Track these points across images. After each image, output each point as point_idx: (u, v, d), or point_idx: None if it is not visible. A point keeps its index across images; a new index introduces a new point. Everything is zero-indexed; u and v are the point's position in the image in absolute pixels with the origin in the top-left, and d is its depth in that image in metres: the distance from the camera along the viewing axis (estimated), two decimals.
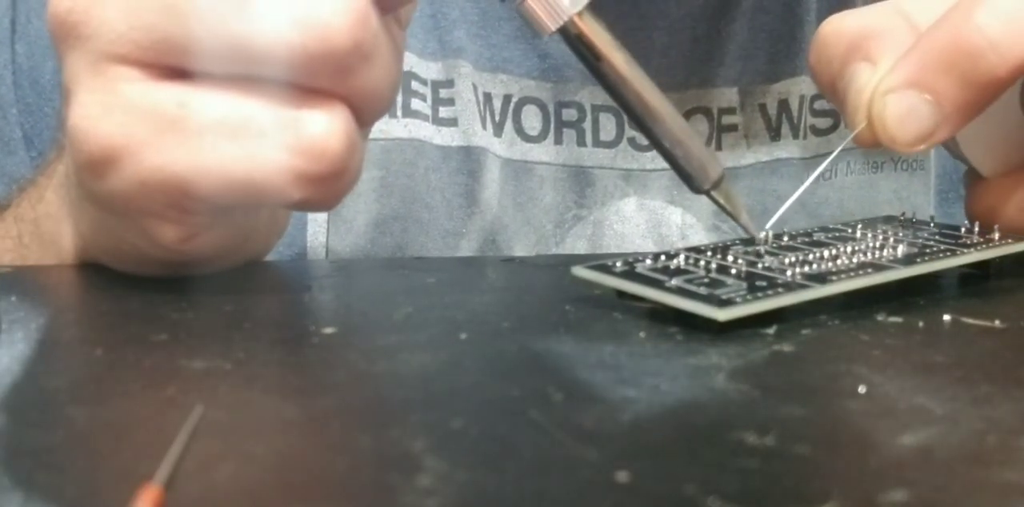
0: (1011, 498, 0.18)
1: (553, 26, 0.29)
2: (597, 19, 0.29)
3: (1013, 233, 0.32)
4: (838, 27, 0.33)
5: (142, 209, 0.28)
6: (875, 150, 0.49)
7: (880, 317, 0.27)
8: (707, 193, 0.31)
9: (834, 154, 0.35)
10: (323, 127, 0.26)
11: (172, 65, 0.26)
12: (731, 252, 0.29)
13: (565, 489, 0.18)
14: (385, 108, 0.29)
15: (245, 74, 0.26)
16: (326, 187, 0.27)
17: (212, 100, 0.26)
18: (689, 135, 0.31)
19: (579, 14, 0.29)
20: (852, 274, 0.28)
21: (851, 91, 0.32)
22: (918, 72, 0.30)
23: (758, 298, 0.26)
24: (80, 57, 0.27)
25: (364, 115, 0.28)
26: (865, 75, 0.32)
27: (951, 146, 0.34)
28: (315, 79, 0.26)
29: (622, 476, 0.18)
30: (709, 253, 0.29)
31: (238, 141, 0.26)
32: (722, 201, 0.31)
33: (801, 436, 0.20)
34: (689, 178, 0.31)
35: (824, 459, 0.19)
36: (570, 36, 0.29)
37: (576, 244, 0.47)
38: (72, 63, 0.27)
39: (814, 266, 0.28)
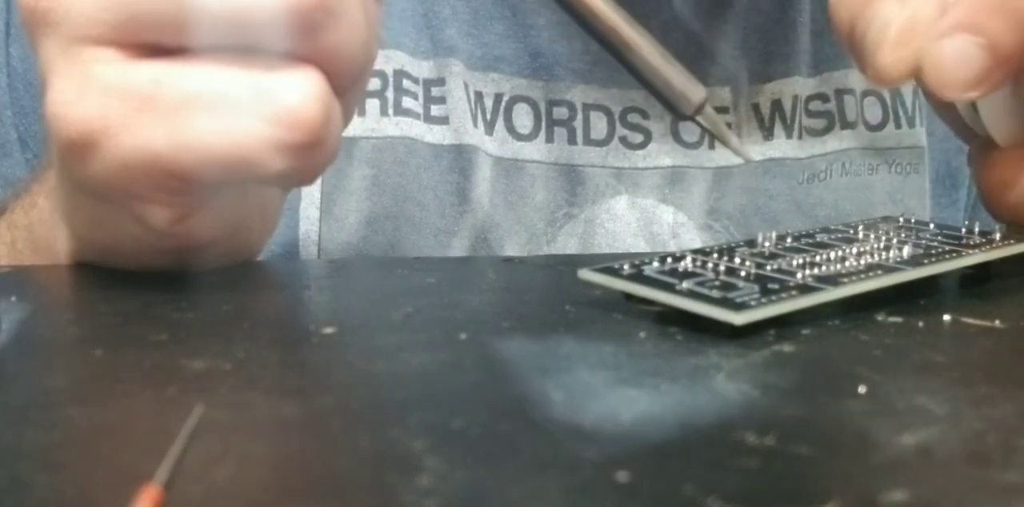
0: (1011, 498, 0.18)
1: None
2: None
3: (1014, 234, 0.32)
4: None
5: (128, 192, 0.28)
6: (871, 150, 0.50)
7: (880, 317, 0.27)
8: (691, 118, 0.31)
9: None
10: (298, 95, 0.26)
11: (144, 42, 0.26)
12: (737, 254, 0.29)
13: (565, 489, 0.18)
14: (359, 72, 0.29)
15: (217, 43, 0.26)
16: (305, 156, 0.27)
17: (186, 75, 0.26)
18: (668, 61, 0.31)
19: None
20: (862, 276, 0.28)
21: (874, 26, 0.31)
22: (971, 16, 0.30)
23: (772, 301, 0.26)
24: (53, 44, 0.27)
25: (338, 80, 0.27)
26: (894, 9, 0.31)
27: (968, 114, 0.34)
28: (283, 40, 0.26)
29: (622, 476, 0.18)
30: (715, 255, 0.29)
31: (214, 115, 0.26)
32: (707, 125, 0.31)
33: (801, 436, 0.20)
34: (672, 105, 0.31)
35: (824, 459, 0.19)
36: None
37: (567, 242, 0.47)
38: (46, 51, 0.27)
39: (822, 268, 0.28)
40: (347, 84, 0.28)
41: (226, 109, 0.26)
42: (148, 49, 0.26)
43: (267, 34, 0.26)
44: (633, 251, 0.47)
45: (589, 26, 0.30)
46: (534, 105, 0.47)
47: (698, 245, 0.47)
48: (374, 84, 0.45)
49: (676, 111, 0.31)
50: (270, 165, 0.26)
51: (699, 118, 0.31)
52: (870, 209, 0.49)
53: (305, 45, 0.26)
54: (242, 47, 0.26)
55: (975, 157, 0.36)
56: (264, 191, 0.33)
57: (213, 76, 0.26)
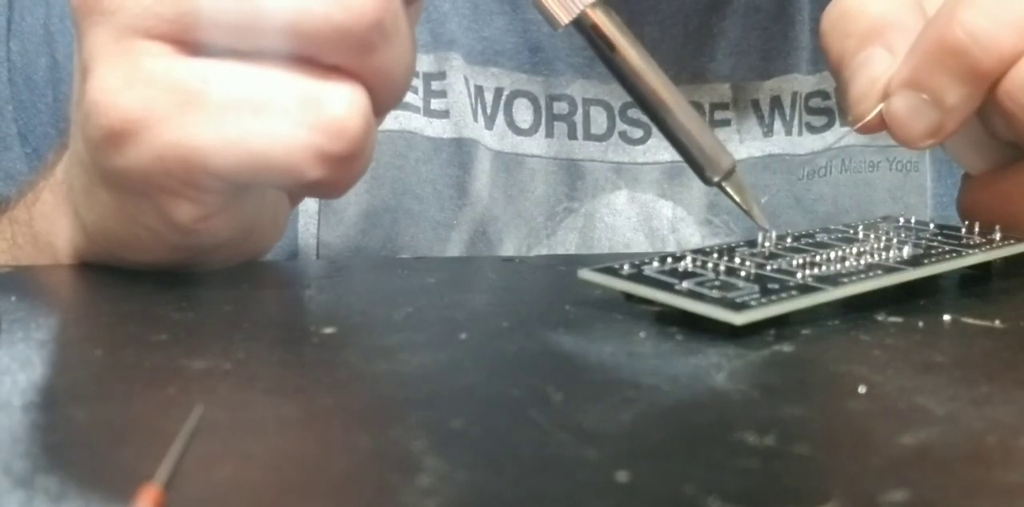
0: (1011, 498, 0.18)
1: (567, 18, 0.30)
2: (610, 11, 0.30)
3: (1014, 234, 0.32)
4: (860, 4, 0.33)
5: (158, 186, 0.28)
6: (871, 147, 0.50)
7: (880, 317, 0.27)
8: (718, 184, 0.32)
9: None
10: (344, 106, 0.27)
11: (197, 40, 0.26)
12: (738, 253, 0.29)
13: (565, 489, 0.18)
14: (398, 96, 0.29)
15: (270, 48, 0.26)
16: (342, 167, 0.27)
17: (235, 76, 0.26)
18: (700, 126, 0.32)
19: (592, 6, 0.30)
20: (862, 276, 0.28)
21: (862, 75, 0.33)
22: (913, 72, 0.31)
23: (772, 301, 0.26)
24: (103, 32, 0.27)
25: (380, 100, 0.28)
26: (884, 63, 0.32)
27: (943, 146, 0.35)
28: (337, 53, 0.27)
29: (622, 476, 0.18)
30: (716, 255, 0.29)
31: (259, 117, 0.26)
32: (733, 193, 0.32)
33: (801, 436, 0.20)
34: (700, 169, 0.32)
35: (824, 459, 0.19)
36: (584, 28, 0.30)
37: (567, 236, 0.48)
38: (94, 39, 0.27)
39: (822, 267, 0.28)
40: (386, 105, 0.29)
41: (272, 113, 0.26)
42: (198, 47, 0.27)
43: (321, 47, 0.26)
44: (633, 245, 0.47)
45: (629, 84, 0.31)
46: (534, 100, 0.47)
47: (697, 240, 0.48)
48: None
49: (703, 175, 0.32)
50: (308, 172, 0.27)
51: (725, 184, 0.32)
52: (870, 206, 0.49)
53: (356, 62, 0.27)
54: (292, 56, 0.26)
55: (960, 182, 0.37)
56: (279, 198, 0.33)
57: (261, 79, 0.26)
